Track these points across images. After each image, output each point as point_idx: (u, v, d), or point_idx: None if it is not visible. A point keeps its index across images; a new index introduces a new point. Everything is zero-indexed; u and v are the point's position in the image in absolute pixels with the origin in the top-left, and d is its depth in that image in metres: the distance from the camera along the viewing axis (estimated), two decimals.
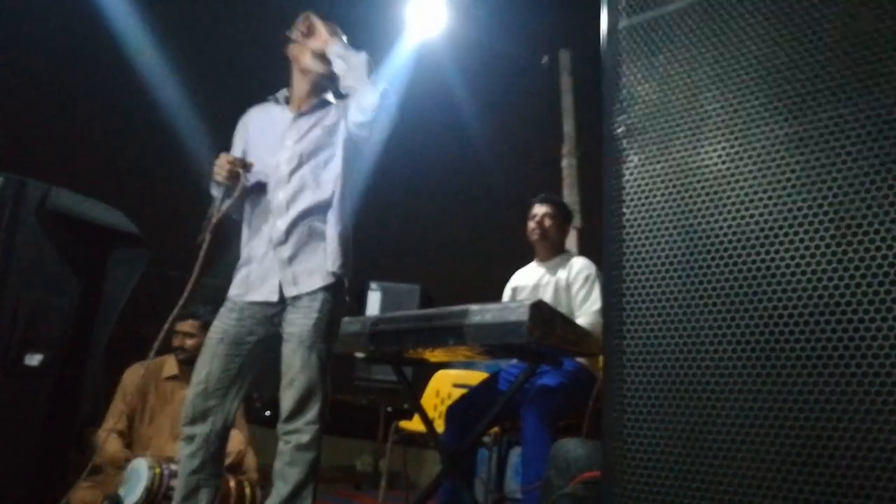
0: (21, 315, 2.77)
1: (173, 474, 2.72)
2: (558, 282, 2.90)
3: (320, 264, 2.08)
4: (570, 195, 5.41)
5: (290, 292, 2.06)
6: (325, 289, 2.05)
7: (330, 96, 2.29)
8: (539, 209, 3.04)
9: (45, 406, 2.89)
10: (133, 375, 3.13)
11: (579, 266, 2.91)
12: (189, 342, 3.08)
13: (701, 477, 1.07)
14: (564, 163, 5.54)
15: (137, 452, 2.94)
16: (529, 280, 3.07)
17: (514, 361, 2.96)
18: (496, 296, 3.22)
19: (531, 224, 3.04)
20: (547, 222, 3.02)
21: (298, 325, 2.02)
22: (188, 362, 3.09)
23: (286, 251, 2.09)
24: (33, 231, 2.84)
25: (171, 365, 3.14)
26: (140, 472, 2.69)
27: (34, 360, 2.82)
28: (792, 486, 0.98)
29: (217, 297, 2.21)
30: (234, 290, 2.16)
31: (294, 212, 2.11)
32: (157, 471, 2.69)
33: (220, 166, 2.13)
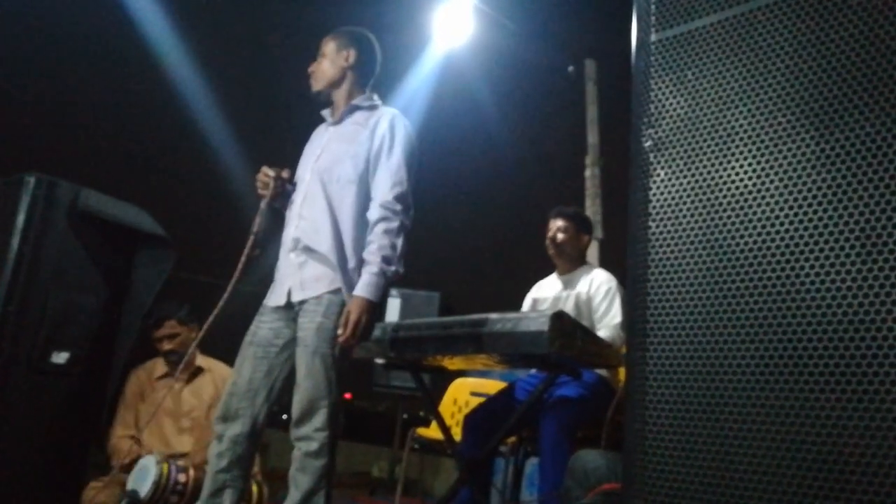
0: (49, 313, 2.83)
1: (180, 469, 2.77)
2: (579, 295, 2.90)
3: (327, 271, 2.10)
4: (592, 206, 5.40)
5: (296, 297, 2.11)
6: (332, 293, 2.07)
7: (362, 99, 2.32)
8: (552, 224, 3.03)
9: (70, 404, 2.94)
10: (132, 381, 3.17)
11: (600, 280, 2.90)
12: (174, 341, 3.07)
13: (722, 490, 1.07)
14: (587, 173, 5.53)
15: (142, 448, 2.98)
16: (550, 293, 3.06)
17: (533, 371, 2.96)
18: (515, 305, 3.22)
19: (547, 239, 3.04)
20: (560, 237, 3.00)
21: (304, 329, 2.06)
22: (177, 361, 3.05)
23: (298, 258, 2.14)
24: (63, 231, 2.90)
25: (160, 366, 3.16)
26: (148, 467, 2.74)
27: (60, 357, 2.87)
28: (813, 501, 0.98)
29: (249, 304, 2.26)
30: (267, 294, 2.23)
31: (305, 221, 2.16)
32: (165, 466, 2.73)
33: (258, 178, 2.25)
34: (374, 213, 2.11)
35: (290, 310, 2.14)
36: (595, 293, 2.87)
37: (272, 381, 2.14)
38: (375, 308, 2.03)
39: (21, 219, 2.80)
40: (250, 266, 2.20)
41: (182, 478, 2.74)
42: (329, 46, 2.33)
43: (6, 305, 2.74)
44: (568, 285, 2.99)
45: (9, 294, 2.75)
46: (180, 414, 3.12)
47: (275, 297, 2.18)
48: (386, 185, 2.12)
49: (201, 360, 3.19)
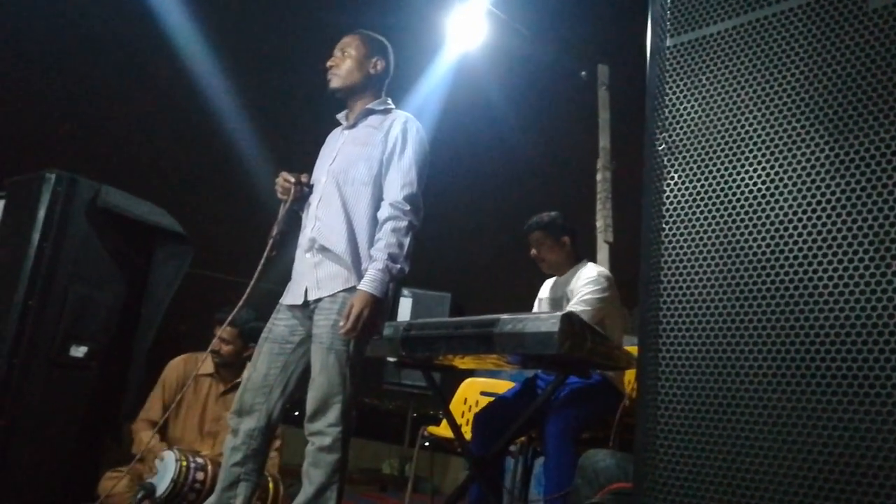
0: (68, 308, 2.88)
1: (200, 467, 2.80)
2: (569, 292, 2.92)
3: (342, 270, 2.13)
4: (603, 209, 5.41)
5: (312, 295, 2.14)
6: (347, 291, 2.10)
7: (376, 103, 2.35)
8: (530, 240, 3.02)
9: (89, 397, 2.99)
10: (175, 369, 3.22)
11: (586, 273, 2.91)
12: (225, 348, 3.14)
13: (733, 490, 1.09)
14: (599, 176, 5.54)
15: (167, 445, 3.02)
16: (548, 293, 3.09)
17: (539, 372, 2.98)
18: (526, 306, 3.24)
19: (532, 253, 3.03)
20: (537, 251, 3.00)
21: (320, 326, 2.09)
22: (223, 365, 3.18)
23: (314, 257, 2.18)
24: (83, 227, 2.95)
25: (208, 363, 3.22)
26: (168, 464, 2.77)
27: (79, 351, 2.92)
28: (824, 501, 0.99)
29: (264, 302, 2.31)
30: (284, 293, 2.27)
31: (321, 222, 2.19)
32: (184, 463, 2.76)
33: (277, 182, 2.28)
34: (383, 212, 2.14)
35: (306, 308, 2.18)
36: (576, 286, 2.88)
37: (287, 376, 2.17)
38: (379, 303, 2.05)
39: (41, 215, 2.85)
40: (269, 266, 2.25)
41: (200, 476, 2.77)
42: (356, 48, 2.33)
43: (27, 299, 2.79)
44: (562, 286, 3.01)
45: (29, 288, 2.80)
46: (209, 418, 3.17)
47: (291, 296, 2.22)
48: (396, 186, 2.16)
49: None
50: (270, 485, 2.95)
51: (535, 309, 3.18)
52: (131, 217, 3.07)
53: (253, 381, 2.17)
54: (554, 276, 3.11)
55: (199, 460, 2.84)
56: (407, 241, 2.12)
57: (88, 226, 2.97)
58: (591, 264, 3.03)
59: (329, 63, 2.33)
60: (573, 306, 2.71)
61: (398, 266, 2.09)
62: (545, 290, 3.15)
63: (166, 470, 2.75)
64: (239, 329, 3.09)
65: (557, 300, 2.99)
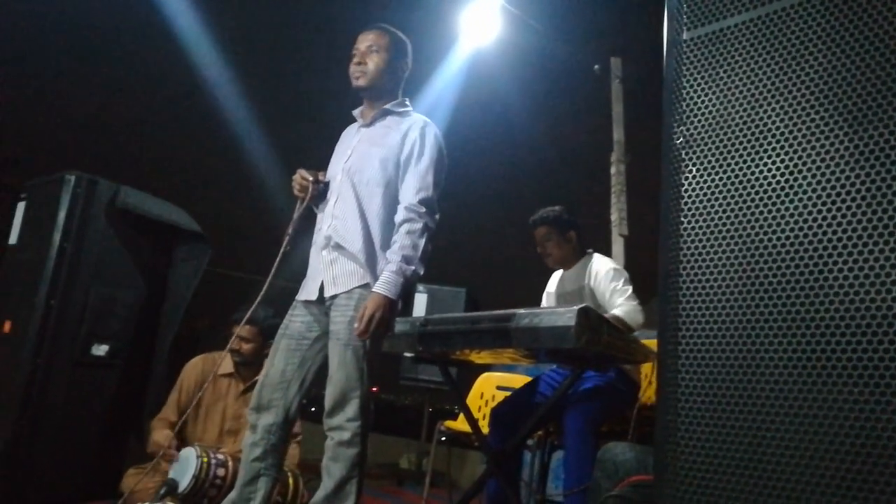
0: (89, 307, 2.93)
1: (220, 463, 2.83)
2: (582, 289, 2.92)
3: (357, 267, 2.15)
4: (617, 202, 5.39)
5: (329, 292, 2.16)
6: (362, 287, 2.12)
7: (395, 104, 2.35)
8: (536, 236, 3.03)
9: (111, 395, 3.04)
10: (193, 369, 3.25)
11: (597, 267, 2.91)
12: (245, 346, 3.17)
13: (755, 481, 1.09)
14: (613, 170, 5.52)
15: (187, 443, 3.05)
16: (555, 287, 3.10)
17: (554, 367, 2.99)
18: (540, 302, 3.25)
19: (538, 249, 3.04)
20: (542, 247, 3.01)
21: (336, 322, 2.11)
22: (243, 364, 3.21)
23: (330, 255, 2.20)
24: (102, 228, 3.01)
25: (227, 363, 3.25)
26: (189, 460, 2.80)
27: (101, 350, 2.97)
28: (846, 492, 1.00)
29: (280, 299, 2.33)
30: (299, 290, 2.30)
31: (337, 220, 2.21)
32: (205, 460, 2.79)
33: (294, 180, 2.30)
34: (399, 215, 2.16)
35: (322, 304, 2.20)
36: (596, 284, 2.88)
37: (304, 372, 2.20)
38: (393, 305, 2.07)
39: (62, 216, 2.91)
40: (284, 263, 2.27)
41: (221, 472, 2.80)
42: (387, 49, 2.28)
43: (49, 299, 2.84)
44: (571, 281, 3.01)
45: (51, 289, 2.85)
46: (229, 416, 3.21)
47: (307, 293, 2.24)
48: (412, 190, 2.17)
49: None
50: (290, 480, 2.97)
51: (544, 303, 3.19)
52: (150, 217, 3.12)
53: (270, 378, 2.19)
54: (560, 269, 3.11)
55: (220, 456, 2.87)
56: (422, 243, 2.13)
57: (108, 226, 3.02)
58: (597, 256, 3.03)
59: (356, 60, 2.27)
60: (624, 313, 2.70)
61: (412, 268, 2.10)
62: (552, 285, 3.15)
63: (188, 466, 2.78)
64: (259, 327, 3.11)
65: (568, 294, 2.99)
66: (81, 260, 2.93)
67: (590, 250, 3.05)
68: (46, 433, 2.83)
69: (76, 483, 2.93)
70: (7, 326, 2.98)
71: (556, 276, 3.15)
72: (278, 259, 2.25)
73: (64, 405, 2.88)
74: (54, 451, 2.86)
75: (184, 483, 2.73)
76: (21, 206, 3.22)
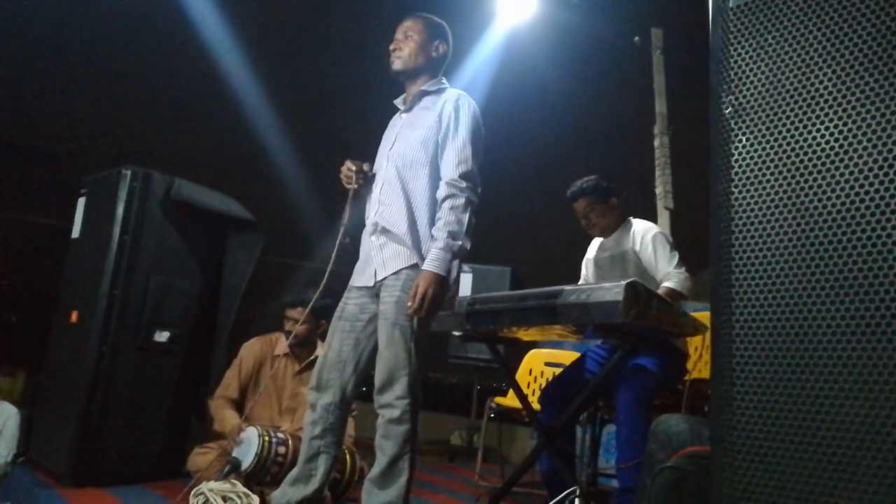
0: (150, 296, 3.05)
1: (281, 441, 2.93)
2: (626, 254, 2.90)
3: (404, 249, 2.20)
4: (662, 175, 5.30)
5: (380, 275, 2.22)
6: (409, 268, 2.17)
7: (430, 84, 2.38)
8: (576, 208, 3.00)
9: (174, 379, 3.17)
10: (250, 350, 3.37)
11: (641, 233, 2.89)
12: (299, 328, 3.26)
13: (814, 449, 1.10)
14: (656, 142, 5.42)
15: (247, 422, 3.16)
16: (595, 253, 3.08)
17: (599, 342, 2.99)
18: None
19: (582, 222, 3.02)
20: (587, 219, 2.98)
21: (385, 303, 2.17)
22: (298, 345, 3.31)
23: (378, 240, 2.26)
24: (159, 219, 3.11)
25: (282, 344, 3.35)
26: (251, 439, 2.91)
27: (162, 336, 3.10)
28: None
29: (329, 282, 2.41)
30: (353, 275, 2.37)
31: (384, 206, 2.26)
32: (267, 439, 2.89)
33: (342, 172, 2.36)
34: (441, 191, 2.19)
35: (374, 287, 2.26)
36: (642, 248, 2.85)
37: (359, 353, 2.26)
38: (443, 281, 2.10)
39: (120, 209, 3.02)
40: (342, 253, 2.34)
41: (282, 450, 2.91)
42: (419, 32, 2.35)
43: (112, 289, 2.97)
44: (612, 247, 2.99)
45: (114, 279, 2.98)
46: (286, 395, 3.32)
47: (362, 279, 2.30)
48: (452, 164, 2.19)
49: (319, 351, 3.37)
50: (348, 457, 3.06)
51: (583, 270, 3.18)
52: (203, 207, 3.21)
53: (328, 359, 2.27)
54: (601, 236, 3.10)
55: (280, 435, 2.97)
56: (466, 217, 2.16)
57: (164, 218, 3.12)
58: (638, 220, 3.00)
59: (392, 46, 2.36)
60: (676, 283, 2.70)
61: (459, 243, 2.13)
62: (592, 251, 3.13)
63: (250, 445, 2.89)
64: (312, 311, 3.20)
65: (609, 259, 2.97)
66: (140, 251, 3.05)
67: (630, 217, 3.04)
68: (115, 416, 2.96)
69: (144, 463, 3.07)
70: (74, 316, 3.13)
71: (596, 242, 3.13)
72: (335, 250, 2.32)
73: (130, 390, 3.01)
74: (123, 433, 2.99)
75: (247, 461, 2.84)
76: (81, 202, 3.36)
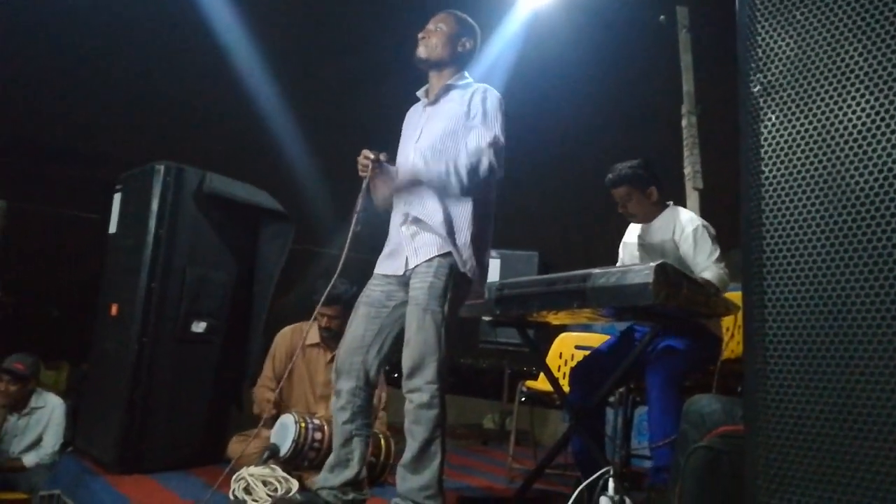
0: (187, 288, 3.13)
1: (317, 427, 2.99)
2: (664, 242, 2.87)
3: (437, 238, 2.23)
4: (690, 155, 5.23)
5: (412, 263, 2.26)
6: (442, 256, 2.20)
7: (456, 78, 2.40)
8: (615, 194, 2.97)
9: (212, 368, 3.25)
10: (283, 339, 3.44)
11: (683, 223, 2.86)
12: (333, 322, 3.33)
13: (849, 426, 1.10)
14: (684, 122, 5.35)
15: (283, 410, 3.24)
16: (634, 238, 3.06)
17: (631, 323, 2.98)
18: (612, 262, 3.23)
19: (619, 209, 3.00)
20: (625, 207, 2.96)
21: (416, 289, 2.20)
22: (331, 337, 3.36)
23: (409, 229, 2.29)
24: (193, 213, 3.18)
25: (314, 333, 3.41)
26: (288, 426, 2.98)
27: (199, 327, 3.17)
28: None
29: (355, 271, 2.46)
30: (378, 263, 2.40)
31: (413, 196, 2.29)
32: (303, 425, 2.96)
33: (358, 161, 2.38)
34: (462, 158, 2.24)
35: (404, 276, 2.29)
36: (682, 239, 2.83)
37: (383, 338, 2.31)
38: (417, 174, 2.24)
39: (155, 204, 3.09)
40: (355, 240, 2.37)
41: (318, 435, 2.98)
42: (449, 25, 2.40)
43: (150, 282, 3.05)
44: (651, 233, 2.96)
45: (151, 272, 3.05)
46: (320, 382, 3.40)
47: (392, 267, 2.33)
48: (481, 136, 2.24)
49: None
50: (382, 441, 3.12)
51: (620, 253, 3.17)
52: (236, 199, 3.27)
53: (349, 343, 2.31)
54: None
55: (317, 421, 3.04)
56: (482, 169, 2.22)
57: (197, 211, 3.19)
58: (682, 210, 2.98)
59: (421, 34, 2.42)
60: (713, 276, 2.68)
61: (461, 181, 2.22)
62: (631, 235, 3.11)
63: (287, 431, 2.96)
64: (342, 304, 3.24)
65: (650, 246, 2.94)
66: (176, 244, 3.12)
67: (669, 203, 3.01)
68: (157, 405, 3.05)
69: (186, 450, 3.16)
70: (114, 309, 3.22)
71: (636, 226, 3.11)
72: (349, 238, 2.35)
73: (170, 380, 3.10)
74: (164, 421, 3.08)
75: (285, 447, 2.91)
76: (117, 198, 3.44)
